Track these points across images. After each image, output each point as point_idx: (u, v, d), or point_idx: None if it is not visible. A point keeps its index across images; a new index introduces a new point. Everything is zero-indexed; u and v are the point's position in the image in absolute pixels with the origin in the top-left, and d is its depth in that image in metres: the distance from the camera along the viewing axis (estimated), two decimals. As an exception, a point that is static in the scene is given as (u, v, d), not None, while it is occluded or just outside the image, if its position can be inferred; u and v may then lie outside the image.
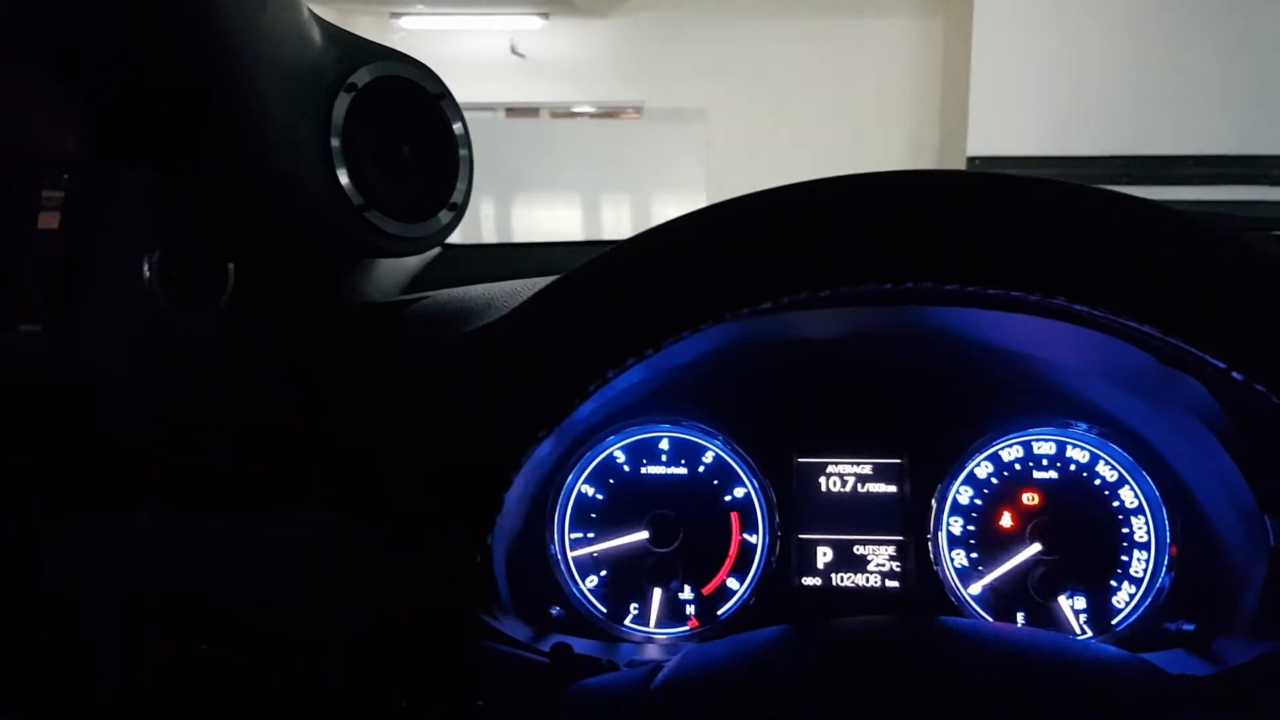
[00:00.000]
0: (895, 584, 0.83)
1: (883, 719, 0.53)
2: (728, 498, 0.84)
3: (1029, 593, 0.81)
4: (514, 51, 5.93)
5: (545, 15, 5.81)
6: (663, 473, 0.84)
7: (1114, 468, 0.81)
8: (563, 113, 6.36)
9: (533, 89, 6.18)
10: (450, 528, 0.52)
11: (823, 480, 0.84)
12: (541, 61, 6.14)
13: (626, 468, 0.84)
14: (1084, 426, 0.81)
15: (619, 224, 5.60)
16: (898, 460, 0.84)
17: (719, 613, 0.82)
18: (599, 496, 0.84)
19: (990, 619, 0.81)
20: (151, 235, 0.74)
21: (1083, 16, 5.00)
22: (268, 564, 0.63)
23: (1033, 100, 5.09)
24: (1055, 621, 0.80)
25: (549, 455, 0.82)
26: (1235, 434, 0.69)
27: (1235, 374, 0.52)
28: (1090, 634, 0.80)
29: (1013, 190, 0.53)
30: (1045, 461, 0.83)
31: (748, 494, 0.83)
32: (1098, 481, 0.82)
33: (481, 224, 5.38)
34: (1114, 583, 0.81)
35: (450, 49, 6.08)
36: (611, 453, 0.84)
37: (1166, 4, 4.93)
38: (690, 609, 0.83)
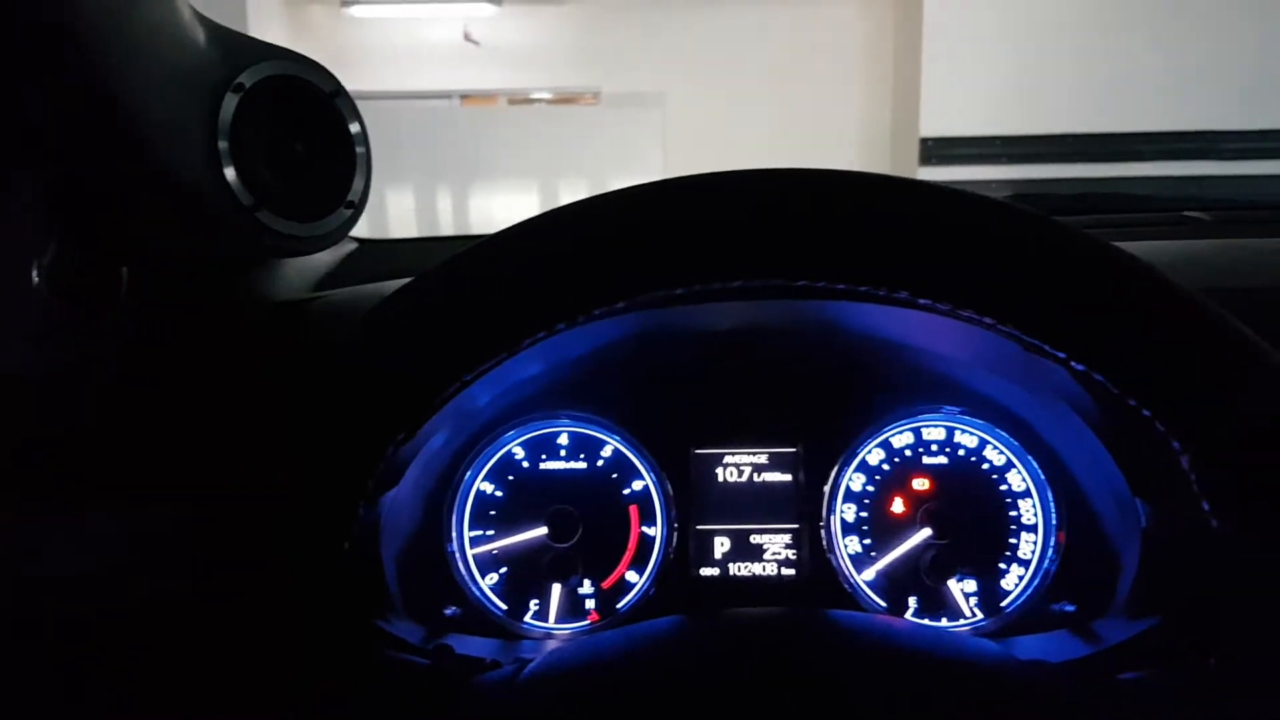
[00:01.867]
0: (791, 572, 0.84)
1: (752, 712, 0.54)
2: (627, 491, 0.85)
3: (921, 577, 0.82)
4: (467, 38, 5.89)
5: (498, 2, 5.77)
6: (562, 468, 0.85)
7: (1001, 452, 0.83)
8: (520, 99, 6.33)
9: (489, 76, 6.15)
10: (302, 526, 0.52)
11: (720, 471, 0.85)
12: (497, 48, 6.10)
13: (525, 463, 0.85)
14: (972, 412, 0.83)
15: (576, 210, 5.56)
16: (792, 449, 0.85)
17: (618, 606, 0.84)
18: (498, 493, 0.85)
19: (883, 604, 0.83)
20: (40, 237, 0.73)
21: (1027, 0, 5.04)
22: (151, 562, 0.63)
23: (984, 80, 5.12)
24: (946, 605, 0.82)
25: (443, 451, 0.83)
26: (1102, 419, 0.71)
27: (1075, 364, 0.53)
28: (980, 616, 0.82)
29: (856, 188, 0.53)
30: (935, 447, 0.84)
31: (646, 487, 0.84)
32: (986, 466, 0.83)
33: (438, 214, 5.36)
34: (1003, 565, 0.82)
35: (403, 37, 6.03)
36: (510, 449, 0.85)
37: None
38: (590, 603, 0.84)
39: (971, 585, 0.82)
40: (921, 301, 0.53)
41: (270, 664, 0.52)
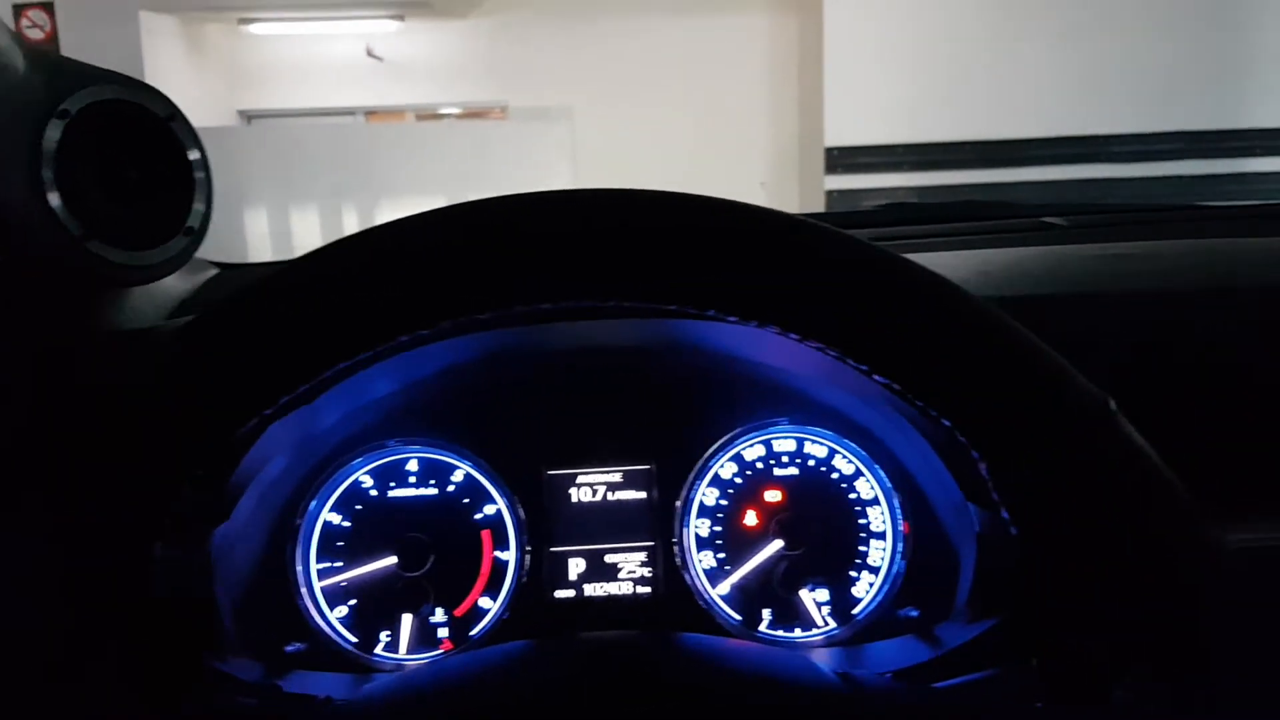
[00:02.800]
0: (646, 590, 0.84)
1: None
2: (479, 516, 0.83)
3: (774, 589, 0.82)
4: (370, 54, 5.83)
5: (400, 18, 5.73)
6: (412, 495, 0.83)
7: (850, 461, 0.84)
8: (428, 114, 6.28)
9: (395, 92, 6.09)
10: (96, 571, 0.51)
11: (574, 491, 0.84)
12: (402, 64, 6.05)
13: (374, 492, 0.83)
14: (821, 423, 0.84)
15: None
16: (646, 466, 0.84)
17: (472, 633, 0.82)
18: (345, 523, 0.83)
19: (738, 617, 0.83)
20: None
21: (930, 8, 5.15)
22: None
23: (885, 90, 5.22)
24: (799, 615, 0.82)
25: (285, 480, 0.80)
26: (929, 426, 0.72)
27: (876, 377, 0.54)
28: (833, 625, 0.82)
29: (661, 207, 0.53)
30: (786, 458, 0.84)
31: (498, 511, 0.83)
32: (835, 475, 0.84)
33: (344, 233, 5.28)
34: (854, 573, 0.83)
35: (304, 54, 5.95)
36: (357, 477, 0.83)
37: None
38: (443, 632, 0.82)
39: (824, 594, 0.83)
40: (731, 318, 0.53)
41: (80, 707, 0.50)
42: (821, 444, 0.84)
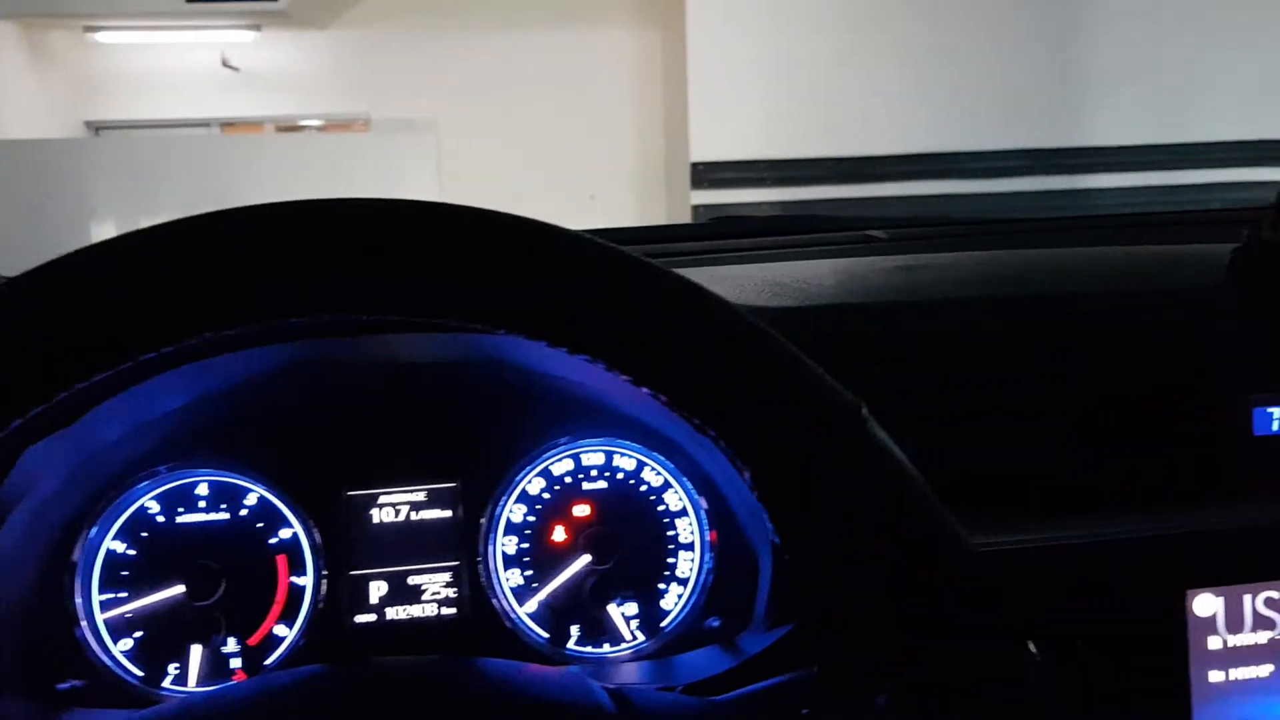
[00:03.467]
0: (451, 611, 0.82)
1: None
2: (274, 540, 0.80)
3: (583, 604, 0.81)
4: (226, 65, 5.65)
5: (256, 28, 5.57)
6: (202, 520, 0.79)
7: (658, 473, 0.84)
8: (288, 126, 6.12)
9: (252, 103, 5.92)
10: None
11: (375, 512, 0.82)
12: (259, 75, 5.88)
13: (161, 518, 0.79)
14: (629, 436, 0.83)
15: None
16: (451, 484, 0.83)
17: (266, 662, 0.79)
18: (130, 551, 0.78)
19: (545, 635, 0.81)
20: None
21: (790, 27, 5.27)
22: None
23: (750, 105, 5.31)
24: (608, 630, 0.82)
25: (61, 504, 0.76)
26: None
27: (642, 387, 0.53)
28: (642, 639, 0.82)
29: (417, 218, 0.52)
30: (595, 472, 0.84)
31: (295, 535, 0.80)
32: (644, 488, 0.84)
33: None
34: (663, 585, 0.83)
35: (156, 63, 5.73)
36: (143, 504, 0.79)
37: (866, 14, 5.27)
38: (236, 662, 0.79)
39: (633, 608, 0.82)
40: (498, 330, 0.52)
41: None
42: (630, 457, 0.84)
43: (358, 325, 0.74)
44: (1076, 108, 5.21)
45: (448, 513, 0.83)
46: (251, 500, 0.80)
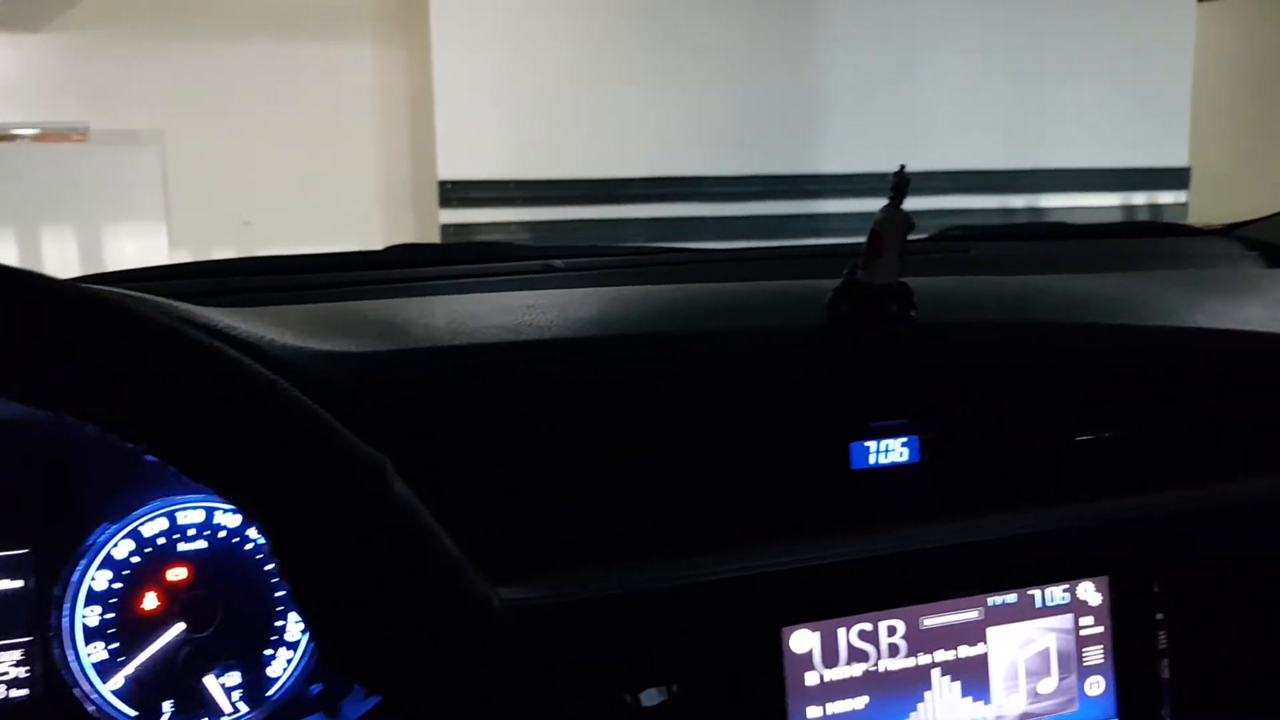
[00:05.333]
0: (23, 692, 0.73)
1: None
2: None
3: (178, 676, 0.75)
4: (-82, 67, 5.09)
5: (-47, 27, 5.05)
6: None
7: (266, 529, 0.78)
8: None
9: (-49, 110, 5.36)
10: None
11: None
12: (-40, 80, 5.35)
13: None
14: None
15: (66, 258, 5.05)
16: (20, 550, 0.74)
17: None
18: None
19: (133, 713, 0.74)
20: None
21: (537, 47, 5.28)
22: None
23: (498, 125, 5.28)
24: (205, 704, 0.75)
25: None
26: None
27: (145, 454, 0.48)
28: (245, 710, 0.76)
29: None
30: (193, 531, 0.77)
31: None
32: (250, 546, 0.78)
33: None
34: (270, 651, 0.77)
35: None
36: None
37: (612, 37, 5.35)
38: None
39: (235, 678, 0.76)
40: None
41: None
42: (233, 512, 0.78)
43: None
44: (809, 137, 5.49)
45: (18, 582, 0.74)
46: None
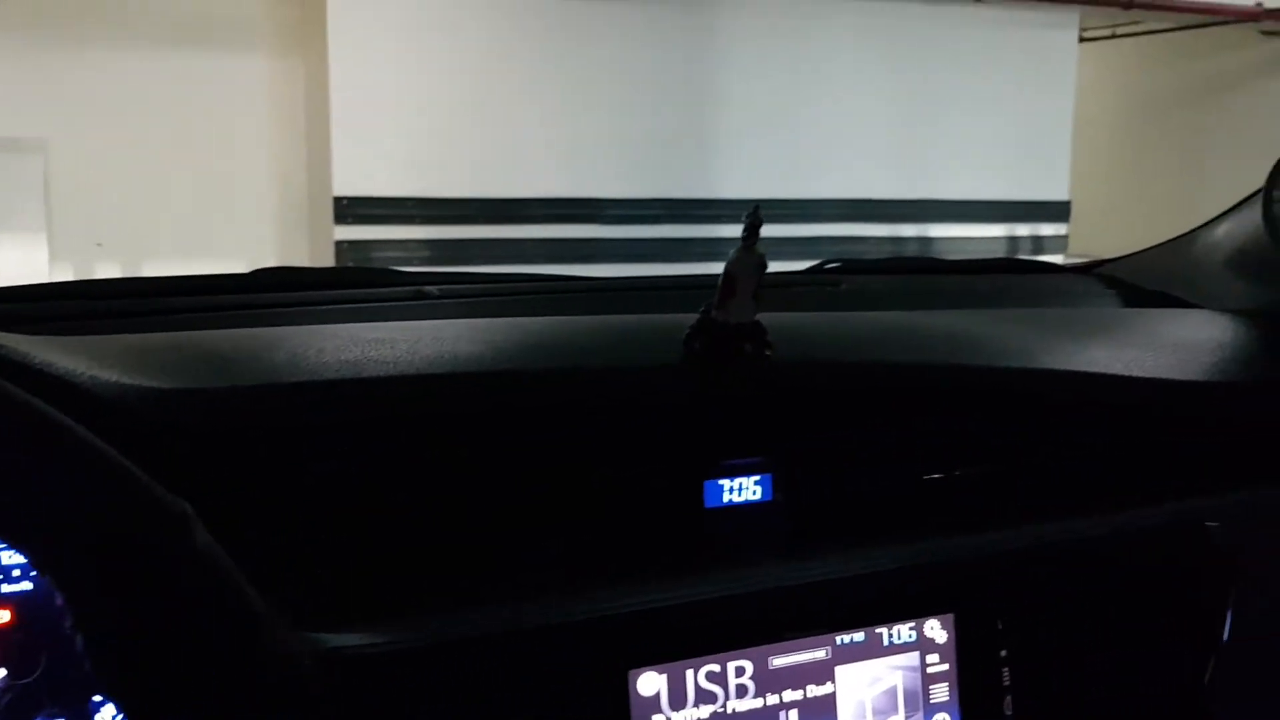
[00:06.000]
0: None
1: None
2: None
3: (-3, 726, 0.71)
4: None
5: None
6: None
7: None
8: None
9: None
10: None
11: None
12: None
13: None
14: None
15: (-64, 270, 4.81)
16: None
17: None
18: None
19: (-57, 770, 0.70)
20: None
21: (436, 64, 5.24)
22: None
23: (396, 141, 5.22)
24: (24, 756, 0.71)
25: None
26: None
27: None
28: (68, 761, 0.72)
29: None
30: (17, 572, 0.73)
31: None
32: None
33: None
34: (100, 698, 0.73)
35: None
36: None
37: (513, 57, 5.33)
38: None
39: (61, 725, 0.72)
40: None
41: None
42: (61, 553, 0.74)
43: None
44: (708, 161, 5.56)
45: None
46: None
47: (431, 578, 0.65)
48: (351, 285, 1.26)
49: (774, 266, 0.79)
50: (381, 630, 0.64)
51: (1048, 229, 6.33)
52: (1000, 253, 6.08)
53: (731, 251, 0.77)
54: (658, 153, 5.47)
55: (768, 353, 0.80)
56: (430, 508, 0.67)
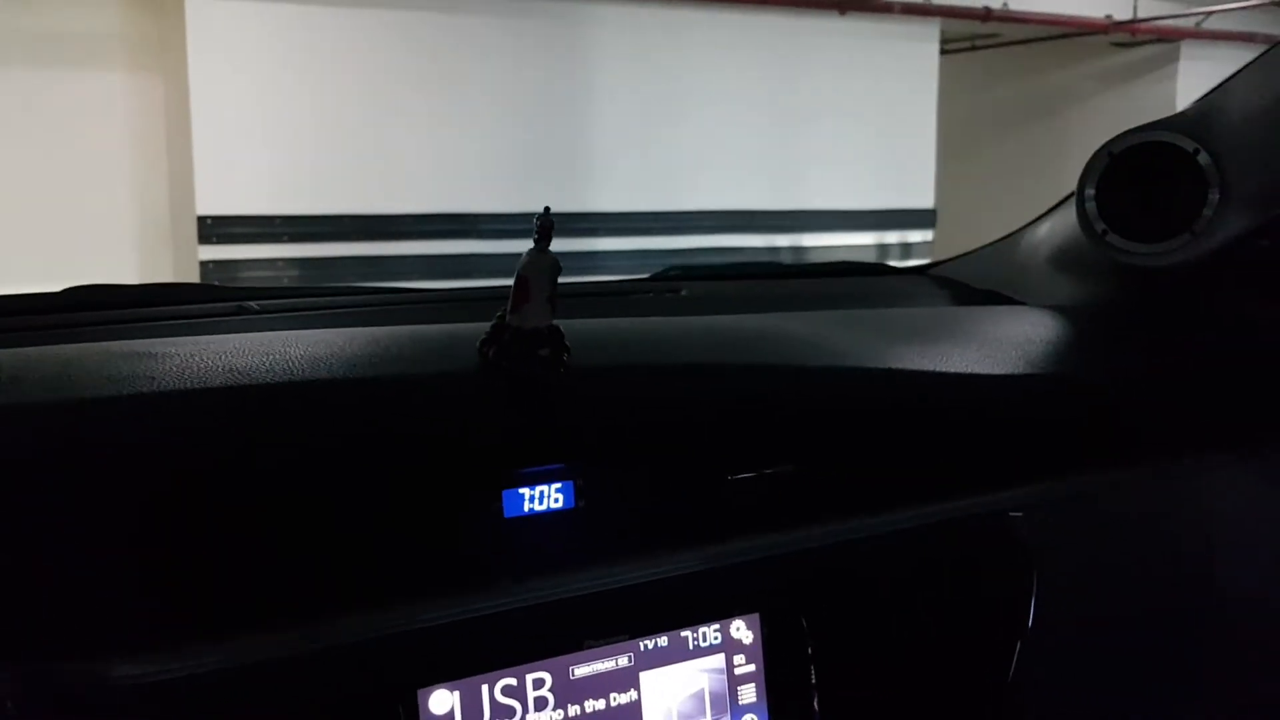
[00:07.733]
0: None
1: None
2: None
3: None
4: None
5: None
6: None
7: None
8: None
9: None
10: None
11: None
12: None
13: None
14: None
15: None
16: None
17: None
18: None
19: None
20: None
21: (301, 80, 5.13)
22: None
23: (261, 159, 5.08)
24: None
25: None
26: None
27: None
28: None
29: None
30: None
31: None
32: None
33: None
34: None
35: None
36: None
37: (381, 73, 5.25)
38: None
39: None
40: None
41: None
42: None
43: None
44: (583, 175, 5.56)
45: None
46: None
47: (208, 601, 0.62)
48: (171, 302, 1.21)
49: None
50: (160, 659, 0.61)
51: (915, 235, 6.51)
52: (871, 259, 6.23)
53: (523, 255, 0.76)
54: (531, 167, 5.44)
55: (566, 357, 0.78)
56: (206, 527, 0.63)
